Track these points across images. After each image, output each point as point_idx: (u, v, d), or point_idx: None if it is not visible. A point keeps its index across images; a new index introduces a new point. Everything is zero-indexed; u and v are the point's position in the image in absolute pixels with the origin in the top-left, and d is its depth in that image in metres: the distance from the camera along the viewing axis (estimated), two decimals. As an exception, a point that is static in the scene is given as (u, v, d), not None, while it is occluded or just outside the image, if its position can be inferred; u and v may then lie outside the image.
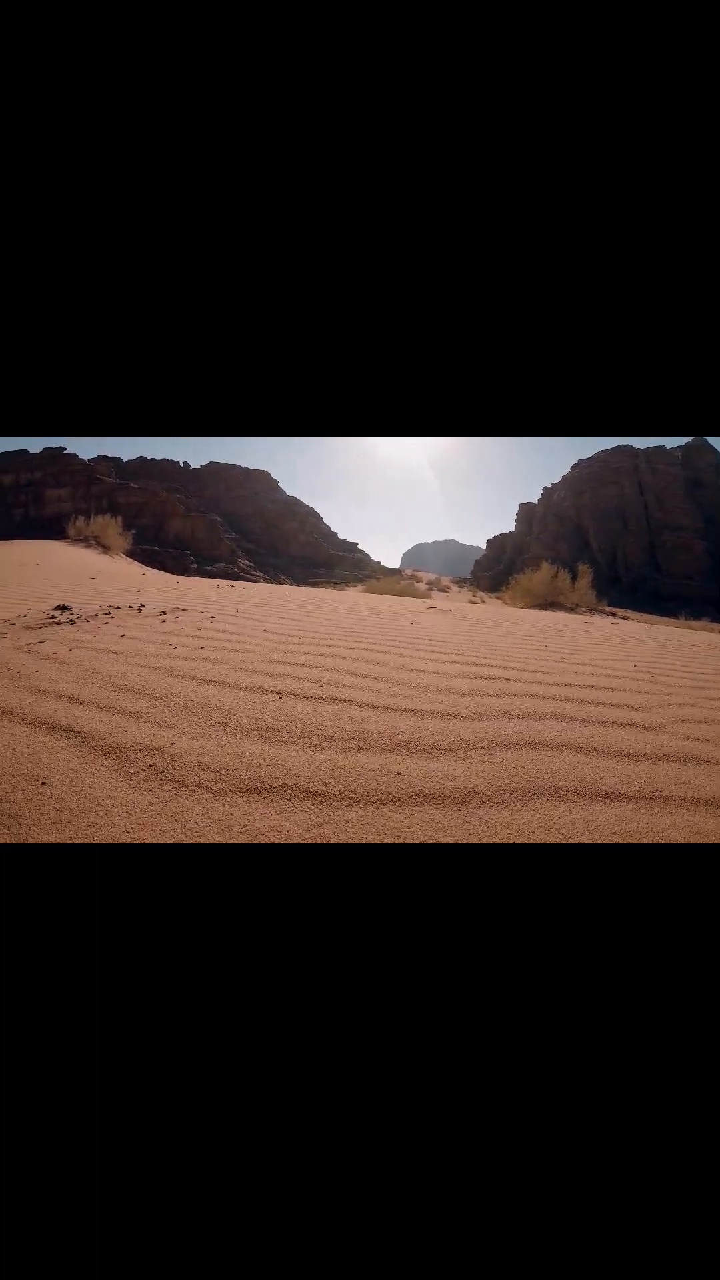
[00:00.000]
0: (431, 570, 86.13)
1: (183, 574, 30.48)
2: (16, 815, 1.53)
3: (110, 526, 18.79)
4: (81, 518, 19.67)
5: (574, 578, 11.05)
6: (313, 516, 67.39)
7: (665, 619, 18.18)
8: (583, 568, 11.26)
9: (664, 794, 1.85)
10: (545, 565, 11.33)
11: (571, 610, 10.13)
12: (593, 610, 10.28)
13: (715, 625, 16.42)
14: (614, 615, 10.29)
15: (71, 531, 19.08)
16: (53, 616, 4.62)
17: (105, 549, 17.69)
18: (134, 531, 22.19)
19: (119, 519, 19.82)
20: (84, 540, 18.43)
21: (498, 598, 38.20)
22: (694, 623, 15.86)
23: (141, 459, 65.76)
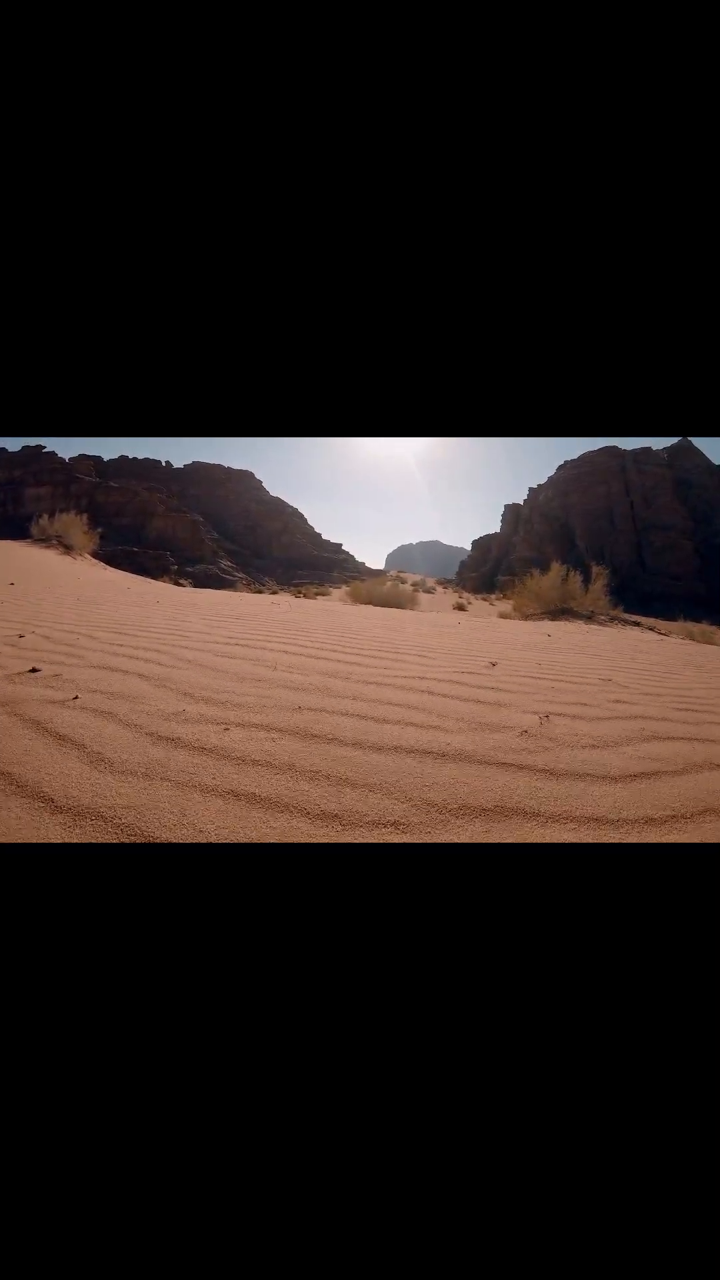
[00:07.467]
0: (417, 571, 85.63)
1: (162, 576, 29.32)
2: None
3: (75, 525, 17.47)
4: (46, 515, 18.27)
5: (586, 580, 9.87)
6: (297, 517, 66.31)
7: (665, 620, 17.36)
8: (597, 570, 10.01)
9: None
10: (555, 566, 10.07)
11: (589, 619, 8.96)
12: (612, 619, 9.11)
13: None
14: (638, 625, 9.22)
15: (35, 530, 17.71)
16: None
17: (67, 549, 16.37)
18: (102, 531, 20.96)
19: (84, 517, 18.48)
20: (46, 540, 17.07)
21: (483, 598, 37.68)
22: (693, 626, 15.00)
23: (123, 458, 64.14)
